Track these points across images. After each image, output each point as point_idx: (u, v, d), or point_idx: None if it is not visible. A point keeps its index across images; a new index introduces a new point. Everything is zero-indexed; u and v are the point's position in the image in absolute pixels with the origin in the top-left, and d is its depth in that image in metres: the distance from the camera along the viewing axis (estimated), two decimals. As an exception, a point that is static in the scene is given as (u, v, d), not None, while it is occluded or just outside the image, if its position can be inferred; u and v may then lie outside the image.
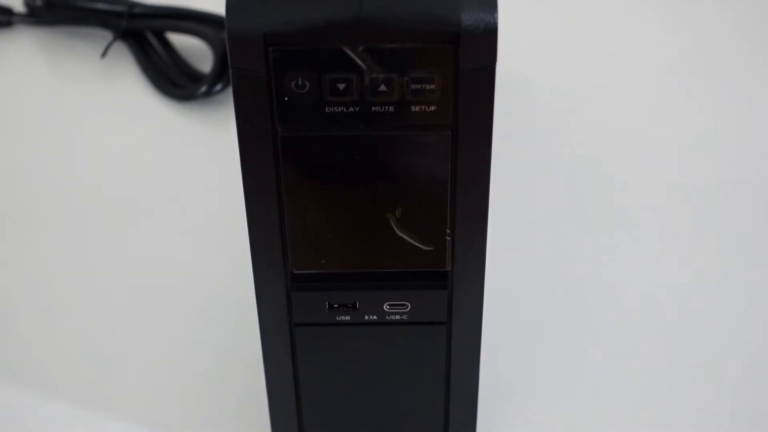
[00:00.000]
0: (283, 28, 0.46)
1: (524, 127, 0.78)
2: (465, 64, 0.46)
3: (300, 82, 0.47)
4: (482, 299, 0.55)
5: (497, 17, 0.46)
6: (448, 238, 0.52)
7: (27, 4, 0.85)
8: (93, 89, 0.82)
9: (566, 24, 0.86)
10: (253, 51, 0.46)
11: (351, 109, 0.47)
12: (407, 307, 0.54)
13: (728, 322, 0.67)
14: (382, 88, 0.47)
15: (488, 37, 0.46)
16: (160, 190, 0.75)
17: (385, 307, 0.54)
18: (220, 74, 0.79)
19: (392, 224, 0.51)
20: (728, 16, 0.87)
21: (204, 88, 0.79)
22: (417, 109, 0.48)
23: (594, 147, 0.77)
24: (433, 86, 0.47)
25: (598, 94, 0.81)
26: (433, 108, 0.48)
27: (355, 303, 0.54)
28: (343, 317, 0.55)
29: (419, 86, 0.47)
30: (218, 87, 0.79)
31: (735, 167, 0.76)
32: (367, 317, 0.55)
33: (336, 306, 0.54)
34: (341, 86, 0.47)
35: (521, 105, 0.79)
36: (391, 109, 0.48)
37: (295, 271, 0.53)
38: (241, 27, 0.46)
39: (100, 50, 0.83)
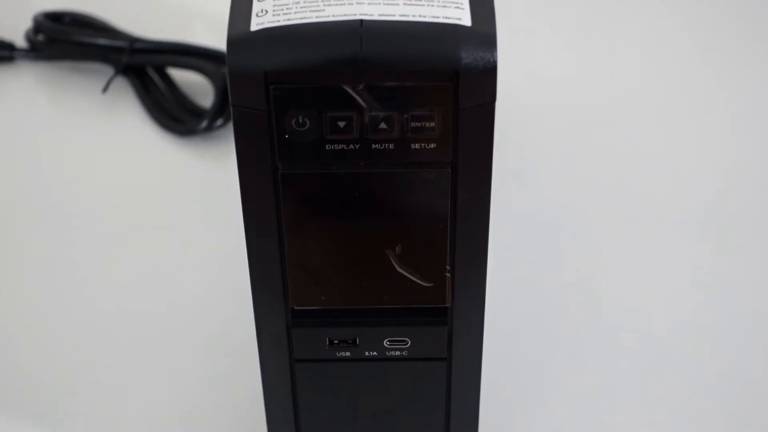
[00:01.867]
0: (283, 67, 0.46)
1: (524, 162, 0.78)
2: (465, 101, 0.47)
3: (300, 120, 0.47)
4: (482, 335, 0.55)
5: (496, 55, 0.46)
6: (448, 275, 0.52)
7: (29, 39, 0.85)
8: (94, 124, 0.82)
9: (564, 56, 0.87)
10: (254, 89, 0.46)
11: (351, 146, 0.48)
12: (407, 343, 0.55)
13: (733, 358, 0.67)
14: (382, 125, 0.47)
15: (488, 74, 0.46)
16: (160, 225, 0.75)
17: (385, 343, 0.54)
18: (220, 109, 0.79)
19: (392, 261, 0.51)
20: (726, 43, 0.87)
21: (205, 124, 0.79)
22: (417, 146, 0.48)
23: (594, 180, 0.77)
24: (432, 124, 0.47)
25: (598, 125, 0.81)
26: (432, 145, 0.48)
27: (355, 339, 0.54)
28: (343, 353, 0.55)
29: (419, 124, 0.47)
30: (219, 122, 0.79)
31: (739, 195, 0.76)
32: (367, 353, 0.55)
33: (336, 342, 0.55)
34: (341, 124, 0.47)
35: (520, 139, 0.79)
36: (391, 146, 0.48)
37: (296, 307, 0.53)
38: (242, 65, 0.46)
39: (102, 85, 0.83)
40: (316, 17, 0.46)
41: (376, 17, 0.46)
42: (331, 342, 0.55)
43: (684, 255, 0.73)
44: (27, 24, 0.85)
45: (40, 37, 0.85)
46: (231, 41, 0.46)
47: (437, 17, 0.47)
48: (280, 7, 0.47)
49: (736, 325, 0.69)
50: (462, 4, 0.47)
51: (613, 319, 0.69)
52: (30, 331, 0.69)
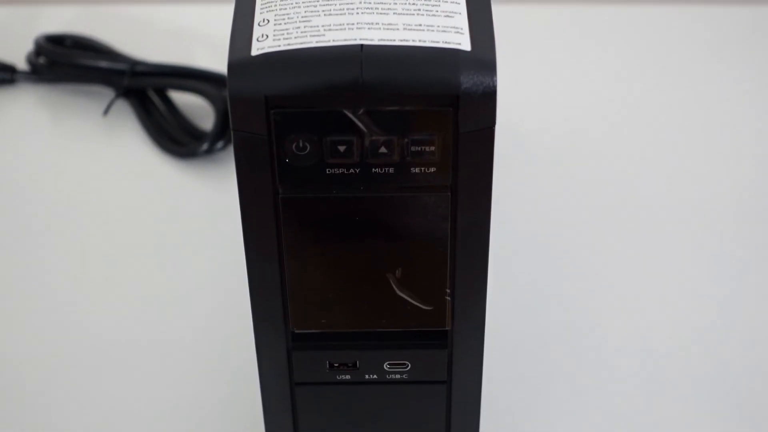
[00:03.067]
0: (284, 91, 0.46)
1: (523, 185, 0.78)
2: (464, 126, 0.47)
3: (301, 144, 0.47)
4: (482, 358, 0.55)
5: (496, 80, 0.46)
6: (448, 298, 0.52)
7: (30, 62, 0.86)
8: (95, 146, 0.82)
9: (562, 80, 0.87)
10: (254, 113, 0.46)
11: (351, 170, 0.48)
12: (407, 366, 0.55)
13: (735, 382, 0.67)
14: (383, 149, 0.47)
15: (487, 99, 0.46)
16: (161, 248, 0.75)
17: (386, 366, 0.55)
18: (221, 132, 0.79)
19: (392, 284, 0.51)
20: (723, 67, 0.88)
21: (205, 146, 0.79)
22: (417, 170, 0.48)
23: (594, 203, 0.77)
24: (432, 148, 0.47)
25: (597, 149, 0.81)
26: (432, 169, 0.48)
27: (356, 362, 0.54)
28: (343, 376, 0.55)
29: (419, 148, 0.47)
30: (220, 145, 0.79)
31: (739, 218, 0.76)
32: (367, 376, 0.55)
33: (336, 365, 0.55)
34: (342, 148, 0.47)
35: (520, 162, 0.79)
36: (391, 170, 0.48)
37: (296, 331, 0.53)
38: (242, 90, 0.46)
39: (102, 108, 0.84)
40: (317, 42, 0.47)
41: (376, 42, 0.46)
42: (331, 365, 0.55)
43: (685, 277, 0.73)
44: (28, 47, 0.86)
45: (42, 60, 0.85)
46: (232, 66, 0.47)
47: (437, 42, 0.47)
48: (281, 32, 0.47)
49: (739, 346, 0.69)
50: (462, 29, 0.47)
51: (614, 341, 0.69)
52: (29, 354, 0.69)
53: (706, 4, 0.94)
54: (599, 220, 0.76)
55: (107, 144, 0.82)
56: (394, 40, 0.47)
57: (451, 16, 0.48)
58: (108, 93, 0.84)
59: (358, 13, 0.48)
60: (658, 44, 0.90)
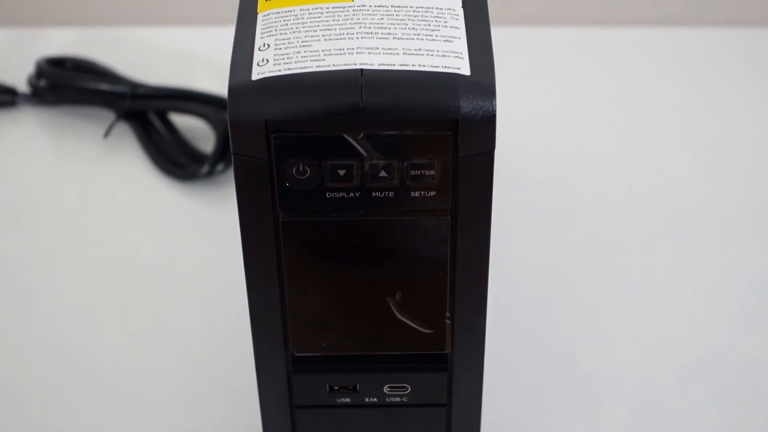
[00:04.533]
0: (284, 116, 0.46)
1: (523, 209, 0.78)
2: (464, 150, 0.47)
3: (301, 168, 0.47)
4: (482, 381, 0.55)
5: (495, 104, 0.47)
6: (448, 321, 0.52)
7: (31, 84, 0.86)
8: (96, 169, 0.82)
9: (560, 105, 0.87)
10: (255, 138, 0.47)
11: (351, 194, 0.48)
12: (407, 389, 0.55)
13: (735, 405, 0.67)
14: (382, 174, 0.47)
15: (487, 123, 0.47)
16: (161, 269, 0.75)
17: (385, 389, 0.55)
18: (221, 154, 0.80)
19: (392, 307, 0.52)
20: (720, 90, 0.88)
21: (206, 168, 0.79)
22: (417, 194, 0.48)
23: (593, 226, 0.77)
24: (432, 172, 0.48)
25: (597, 172, 0.81)
26: (432, 193, 0.48)
27: (356, 385, 0.55)
28: (343, 399, 0.55)
29: (419, 172, 0.47)
30: (220, 167, 0.80)
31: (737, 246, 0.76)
32: (367, 399, 0.55)
33: (336, 388, 0.55)
34: (342, 172, 0.47)
35: (520, 186, 0.79)
36: (391, 194, 0.48)
37: (296, 354, 0.53)
38: (243, 114, 0.46)
39: (103, 130, 0.84)
40: (317, 66, 0.47)
41: (376, 66, 0.47)
42: (331, 388, 0.55)
43: (686, 300, 0.73)
44: (29, 69, 0.86)
45: (43, 83, 0.85)
46: (232, 90, 0.47)
47: (437, 66, 0.47)
48: (281, 57, 0.47)
49: (740, 369, 0.69)
50: (461, 53, 0.48)
51: (615, 364, 0.69)
52: (27, 377, 0.69)
53: (705, 27, 0.94)
54: (599, 242, 0.76)
55: (108, 166, 0.82)
56: (394, 65, 0.47)
57: (450, 41, 0.48)
58: (109, 115, 0.84)
59: (358, 38, 0.48)
60: (657, 66, 0.90)
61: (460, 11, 0.50)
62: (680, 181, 0.81)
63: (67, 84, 0.85)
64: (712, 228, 0.77)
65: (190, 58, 0.91)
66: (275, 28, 0.49)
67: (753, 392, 0.68)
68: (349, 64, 0.47)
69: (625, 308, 0.72)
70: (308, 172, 0.48)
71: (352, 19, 0.49)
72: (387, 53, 0.47)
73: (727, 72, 0.90)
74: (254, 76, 0.47)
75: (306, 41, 0.48)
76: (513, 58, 0.87)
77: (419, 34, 0.48)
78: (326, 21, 0.49)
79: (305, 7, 0.50)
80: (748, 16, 0.95)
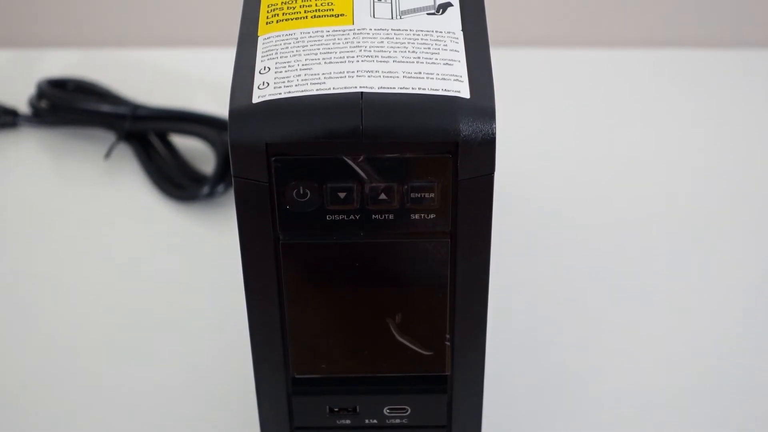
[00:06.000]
0: (285, 139, 0.47)
1: (523, 231, 0.78)
2: (464, 173, 0.47)
3: (301, 191, 0.48)
4: (482, 403, 0.55)
5: (495, 127, 0.47)
6: (448, 343, 0.52)
7: (32, 106, 0.86)
8: (96, 190, 0.83)
9: (559, 128, 0.87)
10: (255, 161, 0.47)
11: (351, 216, 0.48)
12: (407, 411, 0.55)
13: (739, 412, 0.67)
14: (383, 196, 0.48)
15: (487, 146, 0.47)
16: (162, 291, 0.75)
17: (385, 411, 0.55)
18: (222, 176, 0.80)
19: (392, 329, 0.52)
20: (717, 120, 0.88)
21: (206, 190, 0.80)
22: (416, 216, 0.48)
23: (593, 249, 0.78)
24: (432, 195, 0.48)
25: (597, 194, 0.81)
26: (432, 216, 0.48)
27: (356, 407, 0.55)
28: (343, 421, 0.55)
29: (419, 195, 0.48)
30: (220, 188, 0.80)
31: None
32: (367, 421, 0.55)
33: (336, 410, 0.55)
34: (342, 195, 0.48)
35: (520, 208, 0.79)
36: (391, 216, 0.48)
37: (296, 376, 0.53)
38: (244, 137, 0.47)
39: (104, 151, 0.84)
40: (317, 90, 0.47)
41: (376, 90, 0.47)
42: (331, 410, 0.55)
43: (684, 328, 0.73)
44: (30, 90, 0.86)
45: (44, 104, 0.86)
46: (233, 113, 0.47)
47: (437, 90, 0.47)
48: (282, 80, 0.48)
49: (739, 398, 0.69)
50: (461, 76, 0.48)
51: (614, 387, 0.69)
52: (28, 399, 0.69)
53: (704, 49, 0.94)
54: (599, 266, 0.76)
55: (108, 187, 0.83)
56: (394, 88, 0.47)
57: (450, 64, 0.48)
58: (109, 137, 0.85)
59: (358, 61, 0.48)
60: (657, 89, 0.91)
61: (460, 34, 0.50)
62: (679, 205, 0.81)
63: (68, 105, 0.85)
64: (708, 252, 0.77)
65: (191, 79, 0.91)
66: (276, 51, 0.49)
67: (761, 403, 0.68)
68: (350, 87, 0.47)
69: (625, 331, 0.72)
70: (308, 195, 0.48)
71: (353, 42, 0.49)
72: (387, 76, 0.47)
73: (726, 94, 0.90)
74: (255, 99, 0.47)
75: (306, 64, 0.48)
76: (514, 78, 0.88)
77: (419, 57, 0.48)
78: (327, 44, 0.49)
79: (306, 30, 0.50)
80: (745, 38, 0.95)
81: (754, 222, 0.79)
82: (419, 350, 0.52)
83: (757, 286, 0.75)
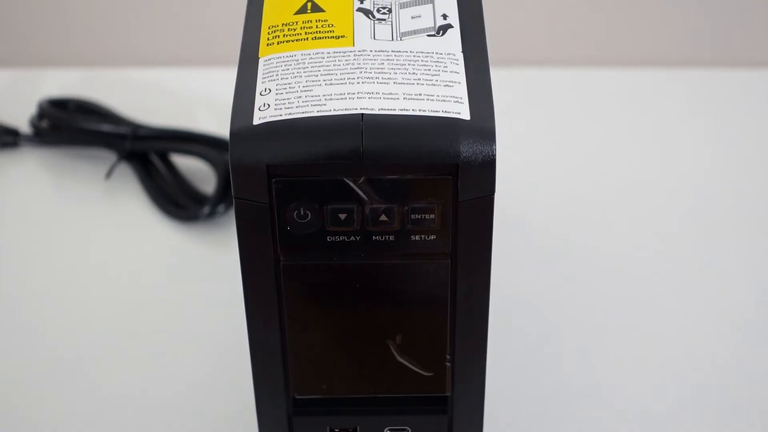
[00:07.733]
0: (285, 160, 0.47)
1: (523, 251, 0.78)
2: (464, 194, 0.47)
3: (302, 212, 0.48)
4: (482, 424, 0.55)
5: (495, 148, 0.47)
6: (448, 364, 0.52)
7: (33, 125, 0.86)
8: (97, 210, 0.83)
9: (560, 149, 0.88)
10: (256, 182, 0.47)
11: (352, 238, 0.48)
12: (408, 431, 0.55)
13: (743, 415, 0.67)
14: (383, 217, 0.48)
15: (487, 167, 0.47)
16: (162, 311, 0.75)
17: (386, 431, 0.55)
18: (222, 195, 0.80)
19: (393, 350, 0.52)
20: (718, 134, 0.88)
21: (207, 210, 0.80)
22: (417, 237, 0.48)
23: (593, 269, 0.78)
24: (432, 216, 0.48)
25: (597, 214, 0.82)
26: (432, 237, 0.48)
27: (356, 428, 0.55)
28: (344, 441, 0.55)
29: (419, 216, 0.48)
30: (221, 208, 0.80)
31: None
32: (367, 441, 0.55)
33: (337, 431, 0.55)
34: (342, 216, 0.48)
35: (520, 229, 0.80)
36: (392, 238, 0.48)
37: (297, 396, 0.53)
38: (244, 158, 0.47)
39: (105, 171, 0.84)
40: (318, 111, 0.47)
41: (376, 111, 0.47)
42: (331, 430, 0.55)
43: (686, 340, 0.73)
44: (32, 110, 0.86)
45: (45, 124, 0.86)
46: (234, 135, 0.47)
47: (437, 111, 0.47)
48: (282, 101, 0.48)
49: (741, 412, 0.69)
50: (461, 98, 0.48)
51: (615, 405, 0.69)
52: (28, 414, 0.69)
53: (705, 68, 0.95)
54: (599, 284, 0.76)
55: (109, 207, 0.83)
56: (395, 110, 0.47)
57: (450, 86, 0.48)
58: (110, 156, 0.85)
59: (358, 83, 0.48)
60: (657, 107, 0.91)
61: (460, 56, 0.50)
62: (684, 225, 0.81)
63: (69, 125, 0.85)
64: (713, 270, 0.77)
65: (192, 99, 0.91)
66: (277, 72, 0.49)
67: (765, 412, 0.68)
68: (350, 109, 0.47)
69: (628, 345, 0.72)
70: (309, 216, 0.48)
71: (353, 64, 0.49)
72: (387, 98, 0.48)
73: (735, 113, 0.90)
74: (256, 121, 0.47)
75: (307, 86, 0.48)
76: (514, 98, 0.88)
77: (419, 79, 0.49)
78: (327, 66, 0.49)
79: (306, 51, 0.50)
80: (744, 57, 0.96)
81: (762, 241, 0.79)
82: (420, 371, 0.52)
83: (758, 302, 0.75)
